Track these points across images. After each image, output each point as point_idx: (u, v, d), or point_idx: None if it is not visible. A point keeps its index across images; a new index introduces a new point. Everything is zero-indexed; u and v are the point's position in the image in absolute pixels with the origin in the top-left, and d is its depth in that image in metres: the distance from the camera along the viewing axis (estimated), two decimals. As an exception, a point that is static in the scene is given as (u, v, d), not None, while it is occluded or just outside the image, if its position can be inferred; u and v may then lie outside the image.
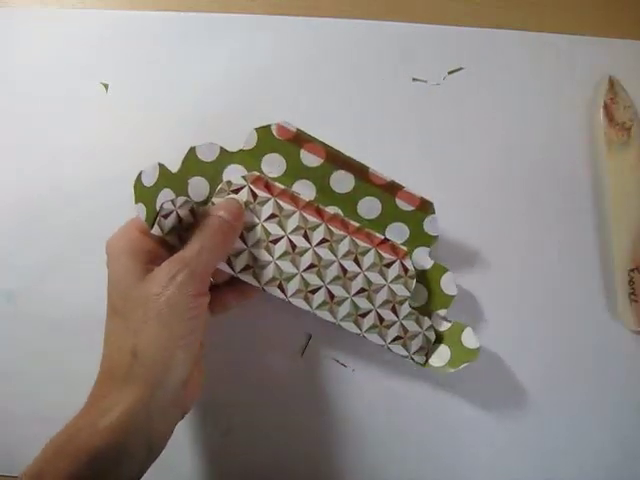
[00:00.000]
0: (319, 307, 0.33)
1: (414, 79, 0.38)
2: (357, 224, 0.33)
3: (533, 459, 0.35)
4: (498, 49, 0.39)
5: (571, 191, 0.37)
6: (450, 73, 0.38)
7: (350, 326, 0.33)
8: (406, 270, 0.34)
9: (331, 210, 0.33)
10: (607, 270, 0.36)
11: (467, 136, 0.38)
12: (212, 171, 0.33)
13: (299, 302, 0.32)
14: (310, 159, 0.33)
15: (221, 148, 0.33)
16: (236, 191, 0.33)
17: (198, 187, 0.33)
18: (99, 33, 0.39)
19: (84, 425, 0.25)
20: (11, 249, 0.37)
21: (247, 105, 0.38)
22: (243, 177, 0.33)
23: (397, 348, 0.33)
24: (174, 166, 0.31)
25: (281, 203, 0.33)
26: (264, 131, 0.33)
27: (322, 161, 0.33)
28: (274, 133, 0.33)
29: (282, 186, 0.33)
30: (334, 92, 0.38)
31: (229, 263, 0.32)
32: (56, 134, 0.38)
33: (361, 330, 0.33)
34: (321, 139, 0.33)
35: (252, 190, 0.33)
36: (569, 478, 0.35)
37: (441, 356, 0.34)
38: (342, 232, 0.33)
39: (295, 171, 0.34)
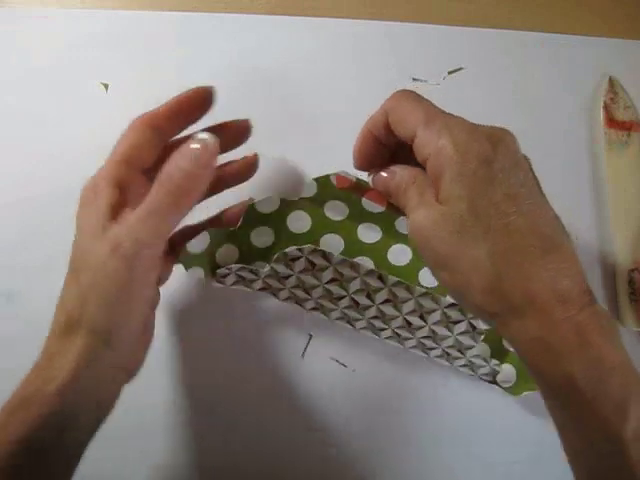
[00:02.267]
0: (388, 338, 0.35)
1: (414, 79, 0.38)
2: (422, 290, 0.33)
3: (533, 459, 0.35)
4: (498, 49, 0.39)
5: (571, 191, 0.37)
6: (450, 73, 0.38)
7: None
8: (474, 327, 0.34)
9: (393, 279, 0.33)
10: (607, 270, 0.36)
11: (467, 136, 0.38)
12: (275, 220, 0.34)
13: (368, 333, 0.35)
14: (372, 206, 0.33)
15: (281, 199, 0.33)
16: (293, 260, 0.33)
17: (262, 235, 0.34)
18: (99, 33, 0.39)
19: (33, 391, 0.25)
20: (11, 249, 0.37)
21: (247, 105, 0.38)
22: (299, 249, 0.32)
23: (465, 369, 0.35)
24: None
25: (341, 270, 0.33)
26: (323, 181, 0.33)
27: (384, 209, 0.33)
28: (333, 183, 0.33)
29: (341, 257, 0.32)
30: (334, 92, 0.38)
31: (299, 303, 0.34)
32: (56, 134, 0.38)
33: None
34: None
35: (310, 260, 0.33)
36: (568, 478, 0.35)
37: (507, 376, 0.34)
38: (406, 295, 0.33)
39: (358, 216, 0.34)
